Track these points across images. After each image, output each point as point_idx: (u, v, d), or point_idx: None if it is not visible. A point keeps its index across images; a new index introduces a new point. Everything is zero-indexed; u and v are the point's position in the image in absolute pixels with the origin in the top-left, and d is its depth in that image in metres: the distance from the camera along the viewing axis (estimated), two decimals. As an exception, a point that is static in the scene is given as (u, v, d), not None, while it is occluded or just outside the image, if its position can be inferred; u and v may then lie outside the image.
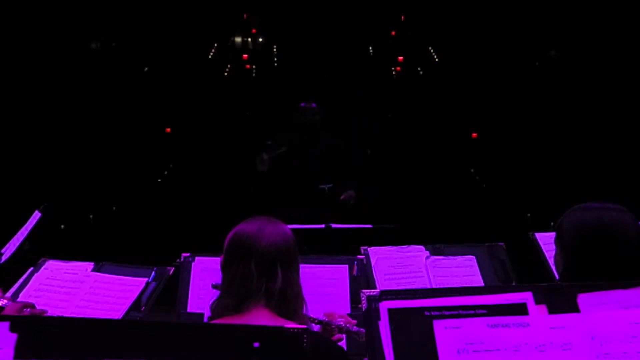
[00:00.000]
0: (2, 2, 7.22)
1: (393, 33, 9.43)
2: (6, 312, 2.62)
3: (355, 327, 2.42)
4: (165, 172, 8.23)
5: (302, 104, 5.86)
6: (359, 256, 3.14)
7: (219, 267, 2.20)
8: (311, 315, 2.39)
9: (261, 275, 2.07)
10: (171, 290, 3.02)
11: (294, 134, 5.82)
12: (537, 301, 1.45)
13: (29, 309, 2.65)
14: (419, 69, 9.29)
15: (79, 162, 7.44)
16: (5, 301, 2.78)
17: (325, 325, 2.44)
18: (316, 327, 2.46)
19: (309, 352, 1.25)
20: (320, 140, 5.78)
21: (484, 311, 1.40)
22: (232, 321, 2.01)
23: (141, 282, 2.91)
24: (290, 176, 5.70)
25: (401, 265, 3.15)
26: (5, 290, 2.99)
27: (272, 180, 5.78)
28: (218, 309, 2.11)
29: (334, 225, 4.54)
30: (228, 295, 2.10)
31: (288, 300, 2.08)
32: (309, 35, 8.99)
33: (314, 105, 5.83)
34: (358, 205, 5.68)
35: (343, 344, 2.51)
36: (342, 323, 2.44)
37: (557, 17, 7.98)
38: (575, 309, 1.46)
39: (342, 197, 5.55)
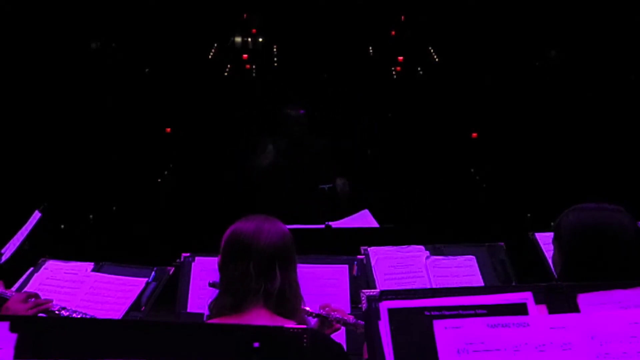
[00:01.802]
0: (2, 2, 7.22)
1: (393, 33, 9.42)
2: (11, 301, 2.62)
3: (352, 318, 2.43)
4: (165, 172, 8.23)
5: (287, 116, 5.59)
6: (359, 256, 3.14)
7: (218, 266, 2.20)
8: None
9: (260, 276, 2.07)
10: (171, 290, 3.03)
11: (281, 140, 5.59)
12: (537, 301, 1.45)
13: (33, 299, 2.65)
14: (419, 69, 9.28)
15: (79, 162, 7.44)
16: (9, 292, 2.78)
17: (323, 318, 2.44)
18: (314, 321, 2.46)
19: (309, 351, 1.25)
20: (305, 147, 5.55)
21: (484, 311, 1.40)
22: (231, 321, 2.00)
23: (141, 282, 2.92)
24: (284, 177, 5.52)
25: (401, 265, 3.15)
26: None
27: (268, 181, 5.58)
28: (216, 308, 2.11)
29: (334, 225, 4.53)
30: (226, 295, 2.10)
31: (287, 299, 2.08)
32: (309, 35, 8.98)
33: (301, 111, 5.57)
34: (357, 205, 5.65)
35: (342, 338, 2.51)
36: (339, 316, 2.45)
37: (557, 17, 7.97)
38: (575, 309, 1.46)
39: (323, 186, 5.29)
